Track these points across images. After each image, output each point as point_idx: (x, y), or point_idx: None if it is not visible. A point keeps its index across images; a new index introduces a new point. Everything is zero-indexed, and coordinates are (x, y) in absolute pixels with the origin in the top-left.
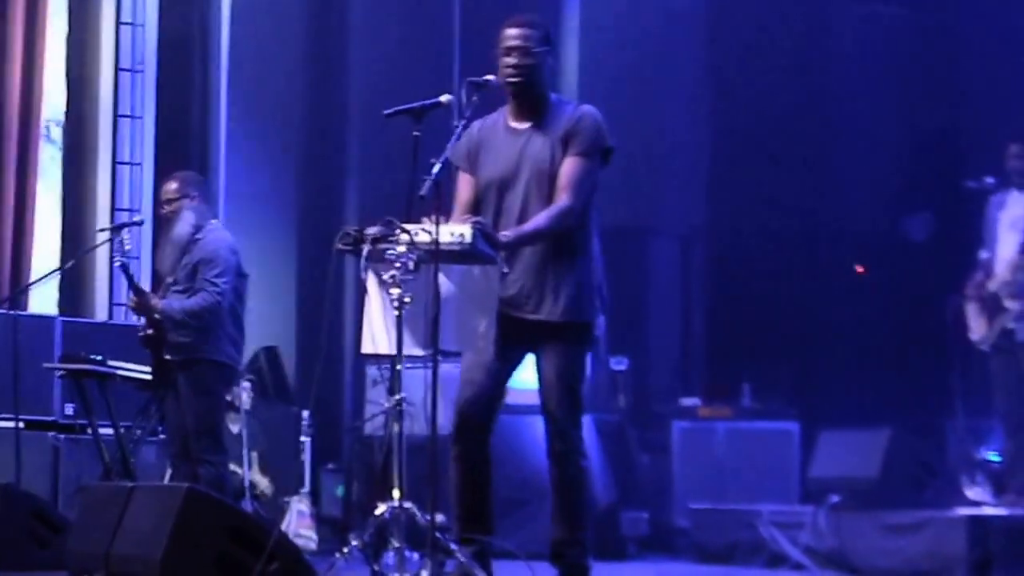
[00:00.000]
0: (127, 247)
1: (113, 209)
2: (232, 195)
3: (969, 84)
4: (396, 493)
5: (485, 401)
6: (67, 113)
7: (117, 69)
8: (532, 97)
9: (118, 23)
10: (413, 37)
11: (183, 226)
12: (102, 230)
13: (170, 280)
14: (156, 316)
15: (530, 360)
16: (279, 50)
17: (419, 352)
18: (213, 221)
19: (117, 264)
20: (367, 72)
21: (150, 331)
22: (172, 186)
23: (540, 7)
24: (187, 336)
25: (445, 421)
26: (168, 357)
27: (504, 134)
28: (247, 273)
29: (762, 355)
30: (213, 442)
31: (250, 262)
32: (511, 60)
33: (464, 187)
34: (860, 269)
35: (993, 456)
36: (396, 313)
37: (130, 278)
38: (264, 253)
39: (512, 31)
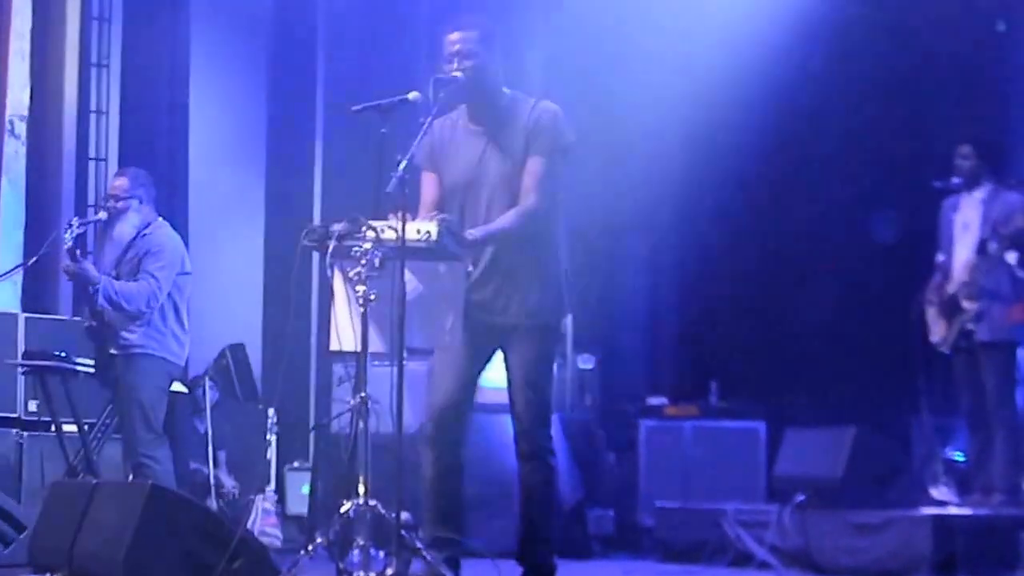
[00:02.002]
0: (78, 231)
1: (78, 205)
2: (198, 191)
3: (937, 84)
4: (361, 491)
5: (457, 404)
6: (31, 108)
7: (82, 64)
8: (483, 97)
9: (84, 18)
10: (381, 33)
11: (126, 227)
12: (68, 226)
13: (113, 274)
14: (91, 287)
15: (499, 359)
16: (246, 47)
17: (385, 349)
18: (159, 219)
19: (64, 231)
20: (334, 68)
21: (94, 323)
22: (122, 183)
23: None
24: (131, 331)
25: (411, 419)
26: (112, 352)
27: (464, 135)
28: (190, 271)
29: (729, 354)
30: (156, 438)
31: (216, 259)
32: (453, 64)
33: (428, 186)
34: None
35: (958, 455)
36: (361, 310)
37: (73, 247)
38: (230, 250)
39: (452, 35)
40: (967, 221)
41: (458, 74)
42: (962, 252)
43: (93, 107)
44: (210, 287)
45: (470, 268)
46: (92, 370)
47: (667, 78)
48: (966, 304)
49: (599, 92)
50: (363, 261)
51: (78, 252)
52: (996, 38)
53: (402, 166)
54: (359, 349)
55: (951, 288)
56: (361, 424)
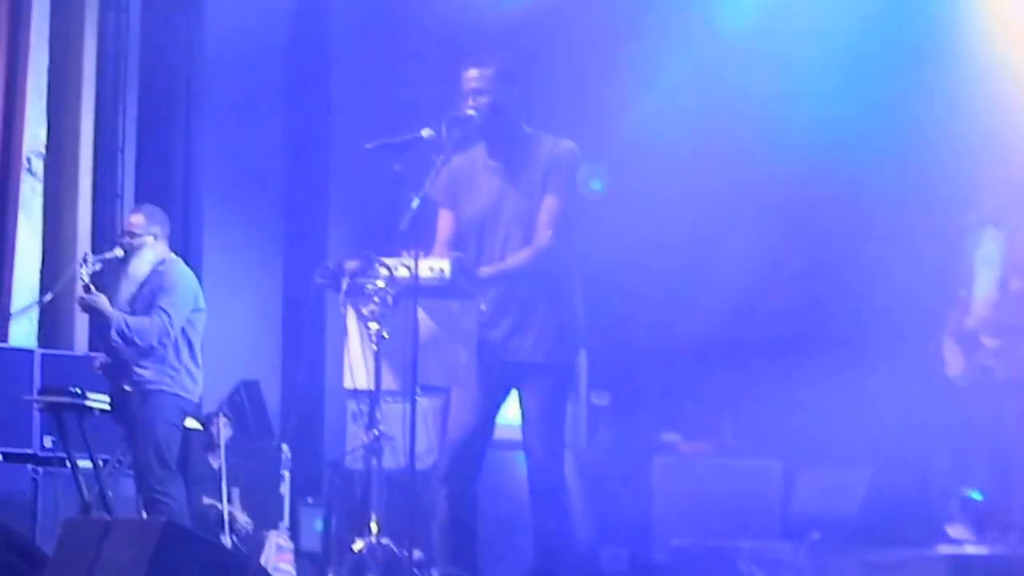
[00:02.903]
0: (94, 268)
1: (94, 242)
2: (215, 228)
3: (956, 122)
4: (373, 528)
5: (472, 442)
6: (48, 145)
7: (99, 102)
8: (500, 134)
9: (100, 56)
10: (395, 72)
11: (141, 264)
12: (82, 262)
13: (128, 311)
14: (106, 319)
15: (513, 395)
16: (261, 86)
17: (398, 387)
18: (173, 256)
19: (79, 266)
20: (349, 106)
21: (108, 359)
22: (138, 219)
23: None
24: (145, 367)
25: (424, 454)
26: (127, 388)
27: (482, 171)
28: (204, 307)
29: (744, 391)
30: (170, 475)
31: (234, 295)
32: (469, 102)
33: (444, 223)
34: None
35: (974, 494)
36: (374, 348)
37: (87, 281)
38: (248, 287)
39: (470, 72)
40: (989, 256)
41: (471, 112)
42: (983, 288)
43: (109, 144)
44: (226, 323)
45: (483, 306)
46: (107, 407)
47: (684, 119)
48: (986, 340)
49: None
50: (376, 299)
51: (93, 287)
52: None
53: (415, 203)
54: (372, 386)
55: (971, 323)
56: (374, 461)
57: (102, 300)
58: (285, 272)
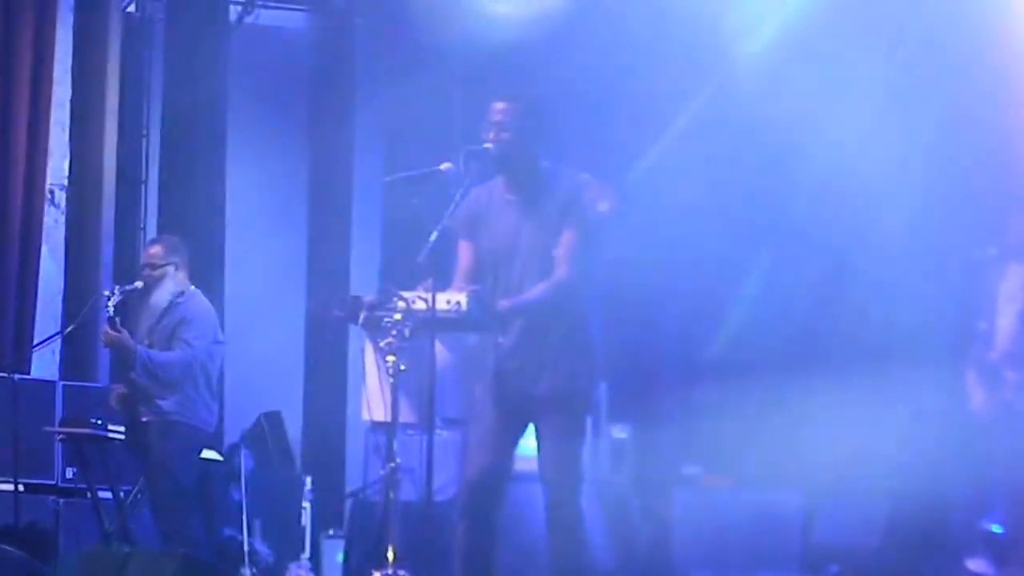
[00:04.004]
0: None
1: (116, 274)
2: (239, 261)
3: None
4: (391, 558)
5: (492, 474)
6: (70, 177)
7: (122, 134)
8: (517, 169)
9: (123, 88)
10: (415, 106)
11: (163, 295)
12: (106, 294)
13: (146, 343)
14: (130, 355)
15: (531, 428)
16: (283, 121)
17: (415, 419)
18: (192, 288)
19: (105, 301)
20: (371, 141)
21: (126, 391)
22: (157, 251)
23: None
24: (163, 397)
25: (445, 486)
26: (144, 419)
27: (500, 205)
28: (223, 340)
29: (765, 424)
30: (186, 505)
31: (255, 327)
32: (491, 134)
33: (464, 254)
34: None
35: (995, 527)
36: (391, 380)
37: (112, 316)
38: (270, 318)
39: (496, 105)
40: (1013, 290)
41: (489, 146)
42: (1007, 321)
43: (131, 176)
44: (248, 355)
45: (500, 339)
46: (123, 437)
47: (701, 145)
48: (1009, 374)
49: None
50: (394, 332)
51: (118, 321)
52: None
53: (434, 236)
54: (389, 419)
55: (993, 356)
56: (391, 493)
57: (127, 337)
58: (310, 304)
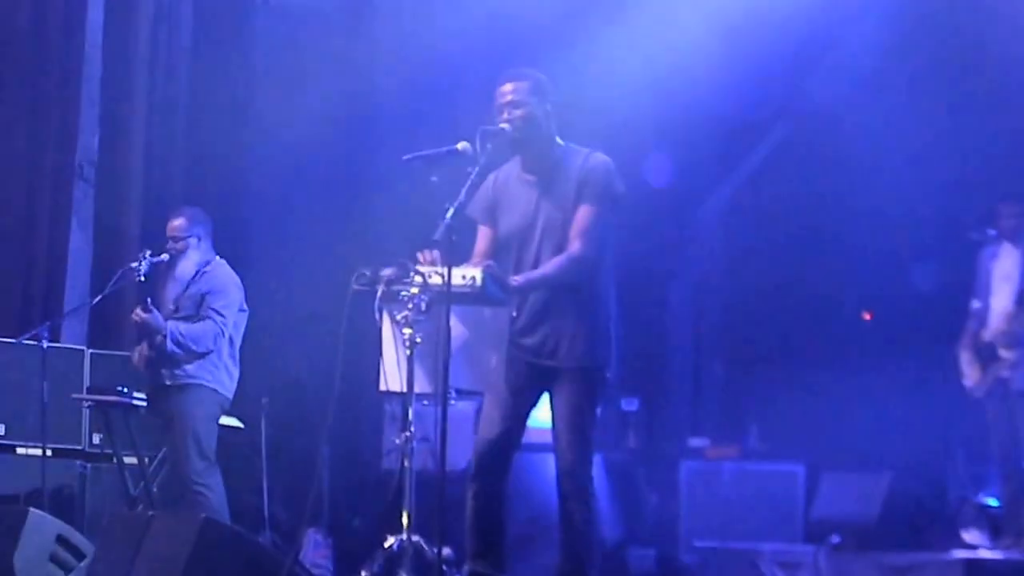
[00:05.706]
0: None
1: (144, 246)
2: (259, 235)
3: (976, 139)
4: (405, 525)
5: (502, 441)
6: (100, 152)
7: (150, 110)
8: (533, 147)
9: (151, 64)
10: (432, 81)
11: (188, 265)
12: (131, 267)
13: (172, 308)
14: (160, 336)
15: (544, 398)
16: (306, 96)
17: (431, 390)
18: (217, 257)
19: (136, 271)
20: (393, 116)
21: (149, 352)
22: (180, 223)
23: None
24: (188, 362)
25: (457, 457)
26: (167, 383)
27: (517, 186)
28: (247, 309)
29: (769, 398)
30: (208, 466)
31: (276, 298)
32: (504, 115)
33: (481, 240)
34: (867, 316)
35: (991, 501)
36: (408, 352)
37: (146, 300)
38: (290, 291)
39: (504, 86)
40: (1007, 271)
41: (505, 126)
42: (1000, 301)
43: (160, 151)
44: (269, 325)
45: (514, 313)
46: (146, 402)
47: (719, 130)
48: (1003, 353)
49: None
50: (410, 305)
51: (149, 300)
52: None
53: (450, 213)
54: (405, 390)
55: (988, 336)
56: (405, 461)
57: (157, 317)
58: (327, 278)
